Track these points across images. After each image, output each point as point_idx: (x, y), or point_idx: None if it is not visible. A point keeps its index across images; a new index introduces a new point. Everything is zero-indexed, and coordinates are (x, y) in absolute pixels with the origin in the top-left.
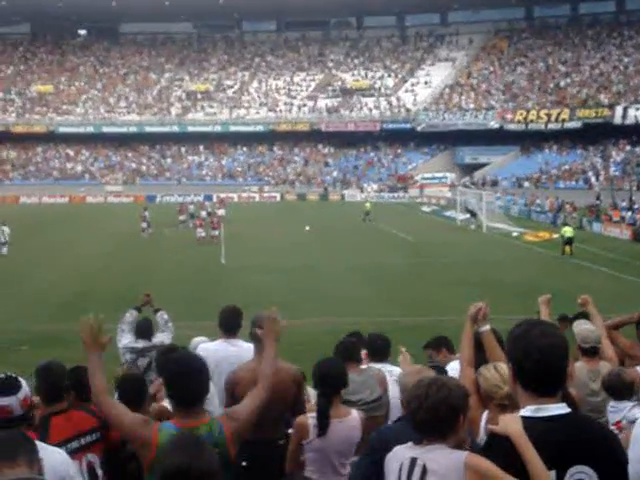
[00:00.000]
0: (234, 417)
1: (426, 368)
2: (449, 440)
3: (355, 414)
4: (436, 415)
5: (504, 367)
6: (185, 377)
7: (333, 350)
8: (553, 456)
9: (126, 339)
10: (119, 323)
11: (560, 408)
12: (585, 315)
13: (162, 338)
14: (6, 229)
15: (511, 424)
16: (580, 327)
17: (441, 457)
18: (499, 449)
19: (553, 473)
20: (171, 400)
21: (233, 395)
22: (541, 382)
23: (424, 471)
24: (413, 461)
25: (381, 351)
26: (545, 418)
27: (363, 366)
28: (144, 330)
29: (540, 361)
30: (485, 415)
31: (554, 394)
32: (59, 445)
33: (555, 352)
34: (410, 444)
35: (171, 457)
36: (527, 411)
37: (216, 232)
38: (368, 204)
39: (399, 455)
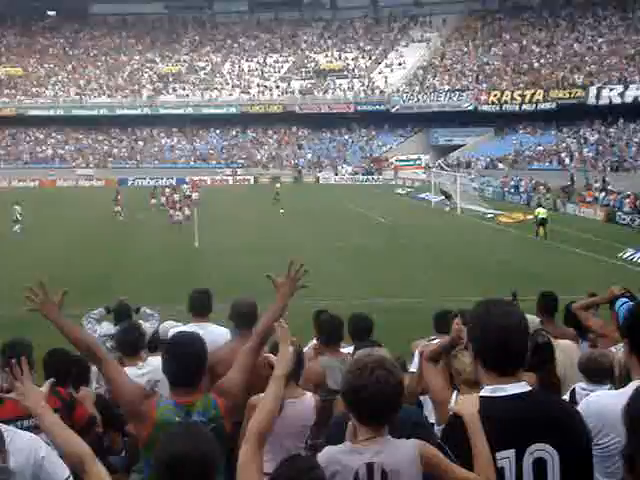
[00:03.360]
0: (223, 389)
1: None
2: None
3: (309, 396)
4: (396, 396)
5: None
6: (184, 357)
7: (314, 326)
8: (511, 435)
9: (103, 327)
10: (86, 315)
11: (518, 387)
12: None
13: (145, 325)
14: (18, 208)
15: (466, 405)
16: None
17: (394, 452)
18: (455, 430)
19: (512, 452)
20: (168, 377)
21: (213, 377)
22: (500, 361)
23: (384, 476)
24: (370, 467)
25: (364, 333)
26: (503, 397)
27: (344, 350)
28: (122, 313)
29: (498, 341)
30: (454, 396)
31: (514, 373)
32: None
33: (513, 332)
34: (348, 446)
35: (166, 445)
36: (485, 391)
37: (187, 211)
38: (278, 184)
39: (346, 464)
